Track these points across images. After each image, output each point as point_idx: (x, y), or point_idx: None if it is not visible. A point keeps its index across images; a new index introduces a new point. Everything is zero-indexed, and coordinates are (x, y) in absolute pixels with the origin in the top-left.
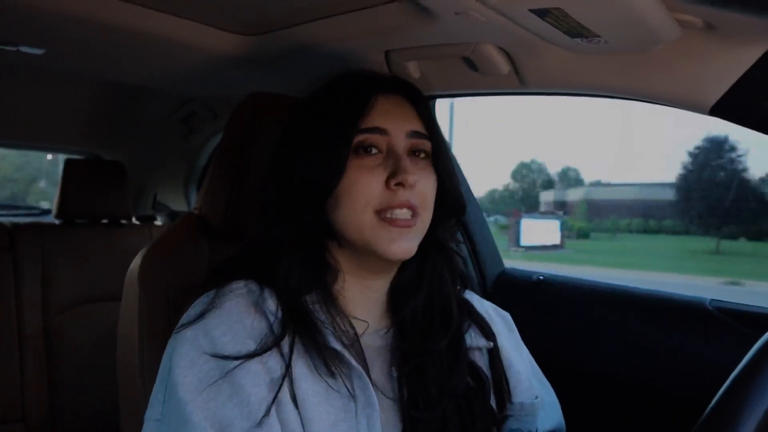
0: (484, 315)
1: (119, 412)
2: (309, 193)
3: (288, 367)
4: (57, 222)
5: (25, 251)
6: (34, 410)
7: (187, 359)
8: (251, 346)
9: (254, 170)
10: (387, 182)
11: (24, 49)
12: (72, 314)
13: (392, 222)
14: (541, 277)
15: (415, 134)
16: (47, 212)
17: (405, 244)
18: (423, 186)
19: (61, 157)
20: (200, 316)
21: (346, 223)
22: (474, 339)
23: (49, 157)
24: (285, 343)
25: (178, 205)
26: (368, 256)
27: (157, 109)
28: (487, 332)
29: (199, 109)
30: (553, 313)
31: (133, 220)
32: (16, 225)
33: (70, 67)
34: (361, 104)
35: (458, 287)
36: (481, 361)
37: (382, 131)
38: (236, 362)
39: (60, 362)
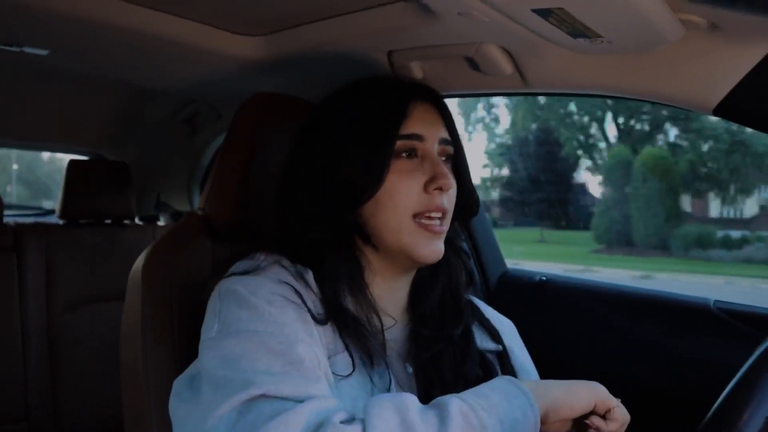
0: (490, 319)
1: (122, 411)
2: (350, 196)
3: (346, 347)
4: (61, 222)
5: (30, 251)
6: (38, 409)
7: (254, 283)
8: (311, 308)
9: (259, 170)
10: (426, 186)
11: (28, 49)
12: (75, 314)
13: (427, 227)
14: (544, 278)
15: (444, 141)
16: (51, 212)
17: (438, 248)
18: (452, 190)
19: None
20: (256, 268)
21: (384, 226)
22: (483, 342)
23: (15, 166)
24: (330, 324)
25: (182, 205)
26: (400, 258)
27: (160, 110)
28: (495, 336)
29: (202, 110)
30: (556, 313)
31: (137, 220)
32: (20, 225)
33: (74, 67)
34: (401, 111)
35: (466, 281)
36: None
37: (419, 138)
38: (302, 308)
39: (63, 361)
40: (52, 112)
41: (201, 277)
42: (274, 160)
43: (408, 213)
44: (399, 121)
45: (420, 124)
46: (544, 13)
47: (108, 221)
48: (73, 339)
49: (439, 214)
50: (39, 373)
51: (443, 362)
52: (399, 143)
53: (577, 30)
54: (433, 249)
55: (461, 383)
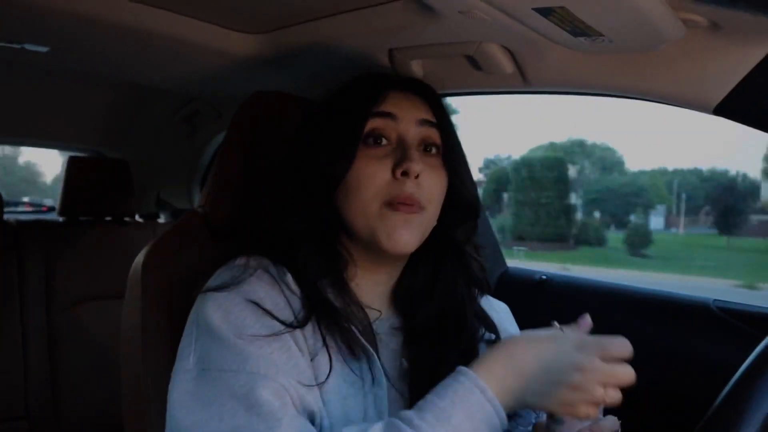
0: (486, 308)
1: (122, 409)
2: (320, 182)
3: (324, 342)
4: (61, 220)
5: (30, 249)
6: (38, 408)
7: (225, 305)
8: (288, 315)
9: (258, 169)
10: (393, 171)
11: (29, 46)
12: (75, 311)
13: (397, 208)
14: (544, 277)
15: (425, 122)
16: (52, 210)
17: (405, 234)
18: (428, 180)
19: None
20: (233, 280)
21: (354, 213)
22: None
23: None
24: (311, 321)
25: (182, 203)
26: (374, 247)
27: (160, 108)
28: (491, 326)
29: (202, 108)
30: (556, 313)
31: (137, 217)
32: (21, 222)
33: (74, 65)
34: (374, 95)
35: (476, 294)
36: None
37: (392, 116)
38: (280, 326)
39: (63, 359)
40: (52, 110)
41: (200, 275)
42: (274, 159)
43: (377, 200)
44: (369, 105)
45: (395, 105)
46: (545, 12)
47: (108, 219)
48: (74, 336)
49: (412, 205)
50: (39, 370)
51: (440, 363)
52: (371, 124)
53: (578, 29)
54: (400, 234)
55: None
